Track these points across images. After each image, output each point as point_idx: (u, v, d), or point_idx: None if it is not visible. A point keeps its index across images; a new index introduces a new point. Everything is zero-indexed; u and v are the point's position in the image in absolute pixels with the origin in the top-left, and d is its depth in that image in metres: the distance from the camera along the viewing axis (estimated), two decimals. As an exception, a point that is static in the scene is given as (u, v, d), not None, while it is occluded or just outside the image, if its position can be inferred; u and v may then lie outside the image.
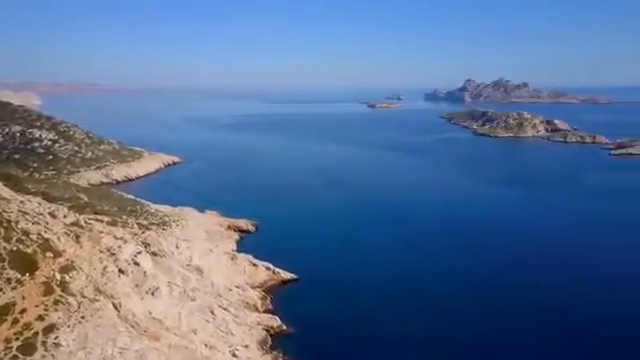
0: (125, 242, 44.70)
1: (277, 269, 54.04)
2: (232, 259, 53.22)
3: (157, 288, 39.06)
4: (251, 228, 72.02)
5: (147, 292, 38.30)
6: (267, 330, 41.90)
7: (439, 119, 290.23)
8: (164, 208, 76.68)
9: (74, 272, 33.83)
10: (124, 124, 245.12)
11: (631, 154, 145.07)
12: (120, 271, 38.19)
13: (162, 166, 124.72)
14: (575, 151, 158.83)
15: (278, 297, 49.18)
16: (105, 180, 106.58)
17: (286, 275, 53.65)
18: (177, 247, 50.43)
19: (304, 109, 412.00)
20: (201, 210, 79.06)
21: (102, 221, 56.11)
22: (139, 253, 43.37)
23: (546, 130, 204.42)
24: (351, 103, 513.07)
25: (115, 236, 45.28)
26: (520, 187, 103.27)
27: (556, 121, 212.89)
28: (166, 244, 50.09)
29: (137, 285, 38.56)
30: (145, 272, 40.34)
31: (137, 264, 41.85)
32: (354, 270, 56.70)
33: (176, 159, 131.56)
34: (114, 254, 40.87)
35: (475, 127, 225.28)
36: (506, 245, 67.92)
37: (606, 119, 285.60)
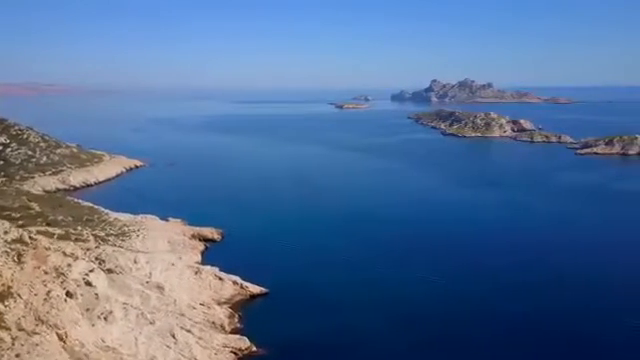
0: (76, 259, 40.41)
1: (245, 283, 50.44)
2: (196, 273, 49.34)
3: (110, 312, 35.02)
4: (217, 237, 68.09)
5: (99, 317, 34.26)
6: (235, 353, 38.40)
7: (407, 119, 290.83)
8: (124, 217, 72.03)
9: (10, 300, 29.59)
10: (85, 126, 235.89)
11: (596, 153, 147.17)
12: (68, 294, 34.00)
13: (124, 170, 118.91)
14: (542, 150, 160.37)
15: (247, 314, 45.59)
16: (61, 186, 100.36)
17: (255, 289, 50.11)
18: (135, 262, 46.28)
19: (271, 110, 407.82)
20: (164, 218, 74.58)
21: (52, 234, 51.47)
22: (91, 271, 39.19)
23: (512, 130, 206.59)
24: (319, 104, 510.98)
25: (64, 252, 40.93)
26: (492, 188, 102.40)
27: (521, 121, 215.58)
28: (123, 259, 45.90)
29: (88, 309, 34.48)
30: (97, 294, 36.23)
31: (89, 284, 37.70)
32: (329, 281, 53.56)
33: (139, 163, 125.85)
34: (62, 274, 36.62)
35: (443, 127, 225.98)
36: (481, 247, 66.21)
37: (567, 118, 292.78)
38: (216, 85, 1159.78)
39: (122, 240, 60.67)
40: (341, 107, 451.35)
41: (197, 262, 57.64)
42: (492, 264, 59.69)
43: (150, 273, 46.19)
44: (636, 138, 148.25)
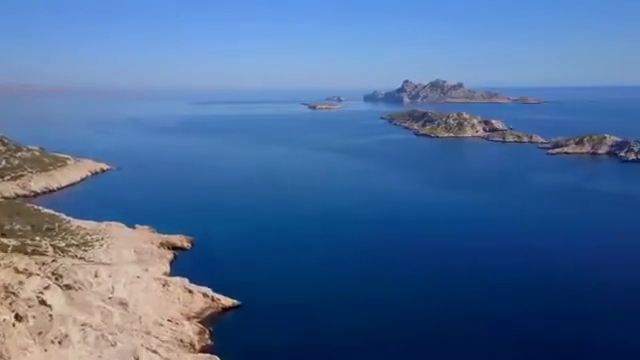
0: (29, 275, 37.05)
1: (216, 295, 47.63)
2: (164, 285, 46.33)
3: (66, 335, 31.89)
4: (187, 245, 64.97)
5: (53, 341, 31.12)
6: (205, 374, 35.75)
7: (380, 120, 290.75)
8: (88, 224, 68.21)
9: (-52, 328, 26.39)
10: (51, 127, 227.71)
11: (567, 153, 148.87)
12: (17, 317, 30.77)
13: (89, 174, 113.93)
14: (514, 150, 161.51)
15: (218, 329, 42.82)
16: (21, 192, 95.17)
17: (227, 301, 47.36)
18: (96, 276, 42.97)
19: (243, 110, 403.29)
20: (131, 225, 70.91)
21: (7, 247, 47.75)
22: (46, 288, 35.91)
23: (484, 130, 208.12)
24: (292, 104, 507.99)
25: (17, 269, 37.51)
26: (468, 189, 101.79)
27: (493, 121, 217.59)
28: (83, 273, 42.57)
29: (40, 333, 31.28)
30: (52, 315, 33.03)
31: (43, 303, 34.43)
32: (304, 292, 51.19)
33: (105, 166, 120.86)
34: (12, 293, 33.31)
35: (416, 128, 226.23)
36: (460, 248, 65.02)
37: (536, 118, 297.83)
38: (192, 85, 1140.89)
39: (84, 250, 57.09)
40: (314, 107, 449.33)
41: (165, 273, 54.60)
42: (469, 264, 58.74)
43: (113, 287, 43.00)
44: (605, 138, 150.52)
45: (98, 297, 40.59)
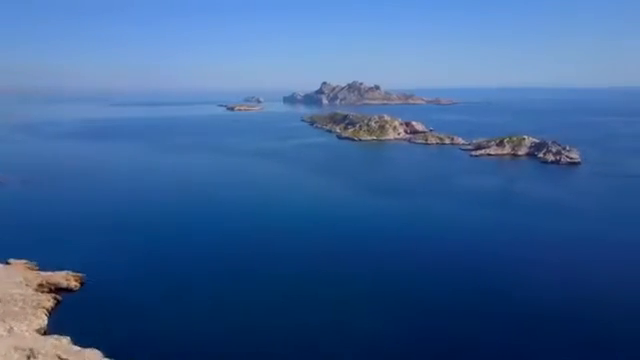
0: None
1: (108, 362, 36.38)
2: (29, 358, 34.28)
3: None
4: (74, 284, 52.24)
5: None
6: None
7: (301, 122, 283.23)
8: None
9: None
10: None
11: (489, 154, 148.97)
12: None
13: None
14: (438, 152, 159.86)
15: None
16: None
17: (123, 371, 36.31)
18: None
19: (156, 112, 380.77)
20: (3, 260, 56.96)
21: None
22: None
23: (406, 132, 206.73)
24: (209, 105, 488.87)
25: None
26: (397, 195, 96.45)
27: (414, 123, 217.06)
28: None
29: None
30: None
31: None
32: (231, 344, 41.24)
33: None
34: None
35: (338, 131, 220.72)
36: (391, 256, 58.35)
37: (451, 118, 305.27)
38: (103, 86, 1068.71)
39: None
40: (232, 109, 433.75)
41: (40, 329, 42.17)
42: (408, 276, 51.81)
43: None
44: (524, 139, 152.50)
45: None
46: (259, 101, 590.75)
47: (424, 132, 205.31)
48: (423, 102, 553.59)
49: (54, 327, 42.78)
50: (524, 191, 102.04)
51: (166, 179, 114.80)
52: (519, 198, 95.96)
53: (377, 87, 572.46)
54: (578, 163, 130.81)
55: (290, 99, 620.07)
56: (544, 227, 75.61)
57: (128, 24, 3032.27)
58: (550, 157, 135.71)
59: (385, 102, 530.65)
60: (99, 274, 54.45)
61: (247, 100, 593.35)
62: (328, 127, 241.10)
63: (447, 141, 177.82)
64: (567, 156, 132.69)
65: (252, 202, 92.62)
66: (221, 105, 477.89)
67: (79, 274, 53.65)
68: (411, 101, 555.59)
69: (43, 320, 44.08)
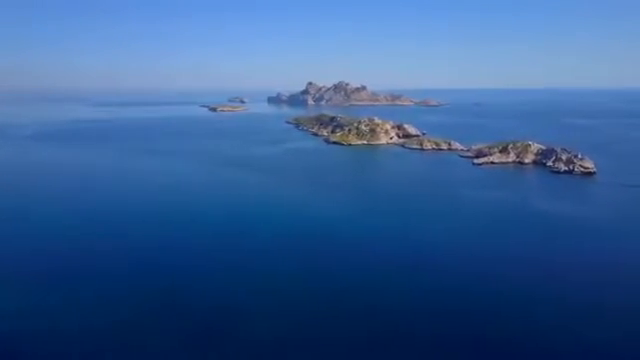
0: None
1: None
2: None
3: None
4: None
5: None
6: None
7: (286, 124, 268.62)
8: None
9: None
10: None
11: (493, 162, 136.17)
12: None
13: None
14: (437, 160, 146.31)
15: None
16: None
17: None
18: None
19: (138, 113, 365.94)
20: None
21: None
22: None
23: (398, 136, 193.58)
24: (191, 106, 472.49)
25: None
26: (398, 213, 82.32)
27: (406, 125, 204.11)
28: None
29: None
30: None
31: None
32: None
33: None
34: None
35: (326, 134, 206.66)
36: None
37: (441, 120, 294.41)
38: (86, 86, 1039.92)
39: None
40: (214, 110, 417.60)
41: None
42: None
43: None
44: (529, 145, 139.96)
45: None
46: (243, 101, 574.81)
47: (417, 136, 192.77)
48: (411, 103, 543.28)
49: None
50: (548, 210, 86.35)
51: (142, 194, 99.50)
52: (544, 219, 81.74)
53: (364, 87, 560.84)
54: (593, 173, 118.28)
55: (275, 99, 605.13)
56: (584, 254, 62.38)
57: (97, 22, 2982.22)
58: (562, 166, 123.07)
59: (372, 103, 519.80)
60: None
61: (230, 100, 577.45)
62: (314, 130, 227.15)
63: (444, 146, 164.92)
64: (581, 165, 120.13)
65: (224, 225, 78.01)
66: (204, 106, 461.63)
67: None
68: (399, 102, 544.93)
69: None
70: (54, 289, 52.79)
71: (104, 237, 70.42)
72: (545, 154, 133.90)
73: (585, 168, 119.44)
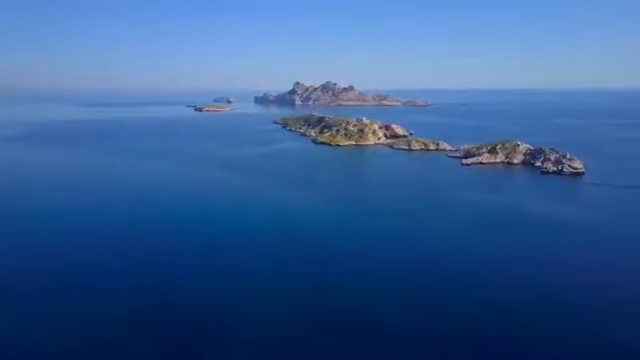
0: None
1: None
2: None
3: None
4: None
5: None
6: None
7: (273, 125, 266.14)
8: None
9: None
10: None
11: (482, 163, 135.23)
12: None
13: None
14: (425, 161, 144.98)
15: None
16: None
17: None
18: None
19: (122, 114, 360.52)
20: None
21: None
22: None
23: (386, 136, 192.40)
24: (176, 106, 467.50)
25: None
26: (390, 216, 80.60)
27: (393, 126, 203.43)
28: None
29: None
30: None
31: None
32: None
33: None
34: None
35: (314, 135, 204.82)
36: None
37: (428, 120, 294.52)
38: (69, 86, 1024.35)
39: None
40: (200, 110, 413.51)
41: None
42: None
43: None
44: (518, 145, 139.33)
45: None
46: (229, 101, 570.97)
47: (405, 136, 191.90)
48: (399, 103, 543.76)
49: None
50: (538, 211, 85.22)
51: (123, 199, 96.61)
52: (534, 220, 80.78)
53: (351, 88, 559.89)
54: (582, 173, 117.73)
55: (262, 99, 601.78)
56: (582, 258, 61.27)
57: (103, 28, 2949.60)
58: (550, 166, 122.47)
59: (360, 103, 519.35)
60: None
61: (217, 100, 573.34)
62: (302, 130, 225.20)
63: (432, 147, 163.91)
64: (570, 166, 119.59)
65: (208, 227, 75.74)
66: (190, 106, 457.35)
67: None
68: (386, 102, 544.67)
69: None
70: (40, 295, 50.25)
71: (79, 239, 67.74)
72: (534, 154, 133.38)
73: (574, 168, 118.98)
